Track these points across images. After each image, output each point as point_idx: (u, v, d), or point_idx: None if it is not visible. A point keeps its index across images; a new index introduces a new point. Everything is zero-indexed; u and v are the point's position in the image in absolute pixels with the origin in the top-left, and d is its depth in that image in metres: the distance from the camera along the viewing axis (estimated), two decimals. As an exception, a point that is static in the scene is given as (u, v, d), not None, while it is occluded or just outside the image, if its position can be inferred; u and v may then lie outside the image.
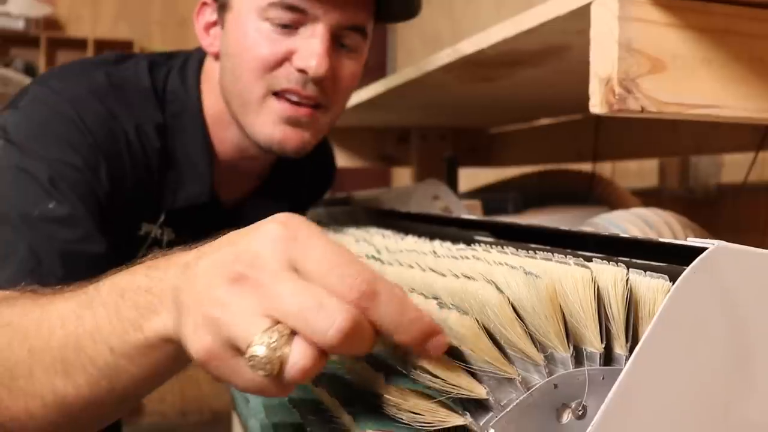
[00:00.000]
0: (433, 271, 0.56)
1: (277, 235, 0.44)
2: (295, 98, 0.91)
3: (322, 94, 0.92)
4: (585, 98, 0.64)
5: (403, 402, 0.43)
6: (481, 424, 0.44)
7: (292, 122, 0.92)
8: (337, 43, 0.92)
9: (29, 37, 4.00)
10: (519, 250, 0.59)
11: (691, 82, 0.64)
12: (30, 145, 0.84)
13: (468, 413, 0.44)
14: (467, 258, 0.59)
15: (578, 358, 0.46)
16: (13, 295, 0.68)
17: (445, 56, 1.00)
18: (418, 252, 0.68)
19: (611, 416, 0.43)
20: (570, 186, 1.53)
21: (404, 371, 0.45)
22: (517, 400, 0.44)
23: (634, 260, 0.52)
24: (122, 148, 0.90)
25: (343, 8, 0.90)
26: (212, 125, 0.99)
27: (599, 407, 0.43)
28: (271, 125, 0.92)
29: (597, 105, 0.63)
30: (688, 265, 0.44)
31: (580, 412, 0.45)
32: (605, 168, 1.79)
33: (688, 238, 0.49)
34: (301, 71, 0.89)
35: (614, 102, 0.62)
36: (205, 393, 3.70)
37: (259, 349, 0.40)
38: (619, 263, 0.48)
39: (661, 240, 0.54)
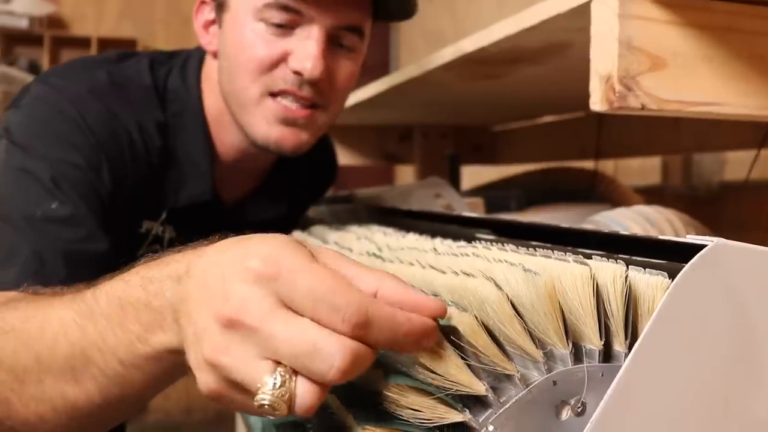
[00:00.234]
0: (433, 268, 0.56)
1: (260, 275, 0.43)
2: (291, 99, 0.91)
3: (318, 94, 0.92)
4: (587, 96, 0.64)
5: (402, 399, 0.43)
6: (480, 420, 0.44)
7: (289, 122, 0.92)
8: (334, 43, 0.92)
9: (33, 35, 4.01)
10: (519, 247, 0.59)
11: (692, 80, 0.64)
12: (32, 145, 0.84)
13: (467, 410, 0.44)
14: (467, 255, 0.59)
15: (577, 355, 0.46)
16: (16, 297, 0.68)
17: (446, 54, 1.00)
18: (419, 249, 0.68)
19: (610, 413, 0.43)
20: (572, 184, 1.54)
21: (404, 368, 0.45)
22: (516, 397, 0.44)
23: (633, 257, 0.52)
24: (124, 147, 0.90)
25: (339, 9, 0.90)
26: (213, 124, 0.99)
27: (598, 404, 0.43)
28: (267, 125, 0.92)
29: (597, 102, 0.63)
30: (687, 262, 0.45)
31: (579, 409, 0.45)
32: (608, 166, 1.79)
33: (688, 236, 0.49)
34: (297, 73, 0.89)
35: (614, 99, 0.62)
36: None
37: (265, 398, 0.41)
38: (618, 260, 0.49)
39: (661, 237, 0.54)
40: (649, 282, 0.47)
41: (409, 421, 0.43)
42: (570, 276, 0.46)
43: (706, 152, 1.51)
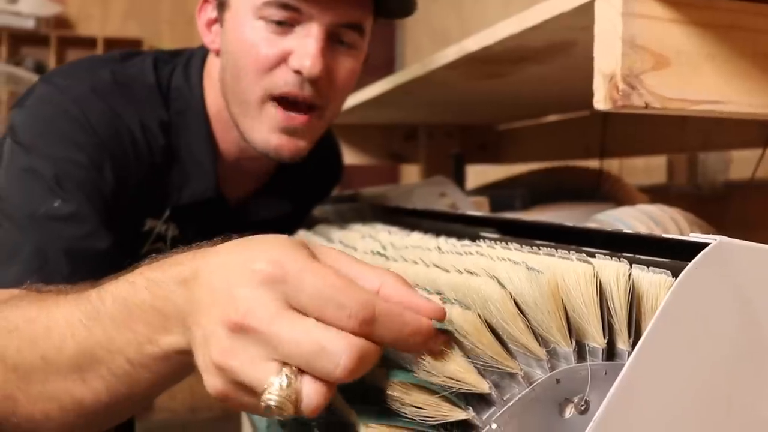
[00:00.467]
0: (437, 266, 0.56)
1: (266, 278, 0.44)
2: (292, 100, 0.91)
3: (318, 94, 0.92)
4: (591, 95, 0.64)
5: (406, 397, 0.43)
6: (483, 418, 0.44)
7: (289, 131, 0.93)
8: (334, 40, 0.92)
9: (39, 36, 4.02)
10: (523, 246, 0.59)
11: (696, 78, 0.64)
12: (36, 144, 0.85)
13: (470, 408, 0.44)
14: (471, 254, 0.59)
15: (581, 353, 0.46)
16: (19, 295, 0.69)
17: (451, 53, 1.00)
18: (423, 248, 0.69)
19: (613, 411, 0.43)
20: (577, 183, 1.53)
21: (407, 366, 0.45)
22: (520, 395, 0.44)
23: (637, 256, 0.52)
24: (127, 146, 0.91)
25: (338, 6, 0.90)
26: (215, 123, 1.00)
27: (602, 402, 0.43)
28: (267, 133, 0.93)
29: (601, 101, 0.63)
30: (691, 261, 0.45)
31: (582, 407, 0.46)
32: (613, 165, 1.79)
33: (692, 234, 0.49)
34: (297, 72, 0.89)
35: (618, 98, 0.61)
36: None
37: (271, 398, 0.41)
38: (621, 259, 0.49)
39: (665, 236, 0.54)
40: (652, 280, 0.47)
41: (412, 419, 0.43)
42: (573, 274, 0.46)
43: (711, 151, 1.51)
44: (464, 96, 1.39)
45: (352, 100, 1.49)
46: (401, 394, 0.43)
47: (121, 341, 0.54)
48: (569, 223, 0.66)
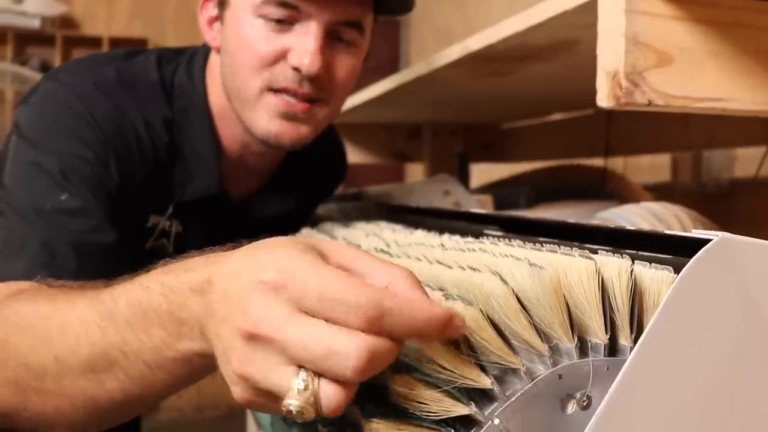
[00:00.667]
0: (440, 263, 0.56)
1: (275, 285, 0.44)
2: (291, 96, 0.92)
3: (318, 90, 0.92)
4: (595, 93, 0.64)
5: (409, 392, 0.43)
6: (486, 413, 0.44)
7: (289, 117, 0.93)
8: (333, 38, 0.92)
9: (45, 35, 4.04)
10: (526, 243, 0.59)
11: (699, 75, 0.64)
12: (41, 140, 0.86)
13: (473, 403, 0.44)
14: (474, 251, 0.59)
15: (583, 349, 0.46)
16: (29, 289, 0.69)
17: (454, 52, 1.01)
18: (427, 245, 0.69)
19: (615, 406, 0.43)
20: (582, 181, 1.53)
21: (410, 362, 0.46)
22: (522, 390, 0.44)
23: (639, 252, 0.52)
24: (131, 143, 0.91)
25: (337, 4, 0.90)
26: (218, 120, 1.00)
27: (604, 398, 0.43)
28: (268, 119, 0.93)
29: (604, 99, 0.63)
30: (693, 257, 0.45)
31: (584, 403, 0.46)
32: (617, 163, 1.79)
33: (694, 230, 0.49)
34: (296, 69, 0.90)
35: (621, 95, 0.62)
36: (222, 389, 3.70)
37: (291, 403, 0.42)
38: (624, 255, 0.49)
39: (667, 232, 0.54)
40: (654, 276, 0.47)
41: (415, 414, 0.43)
42: (575, 270, 0.46)
43: (715, 149, 1.51)
44: (468, 94, 1.39)
45: (356, 98, 1.49)
46: (405, 390, 0.43)
47: (136, 344, 0.54)
48: (572, 220, 0.66)
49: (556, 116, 1.79)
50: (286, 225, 1.06)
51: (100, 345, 0.56)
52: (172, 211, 0.98)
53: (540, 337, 0.45)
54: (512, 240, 0.62)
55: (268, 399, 0.45)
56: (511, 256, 0.52)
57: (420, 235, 0.79)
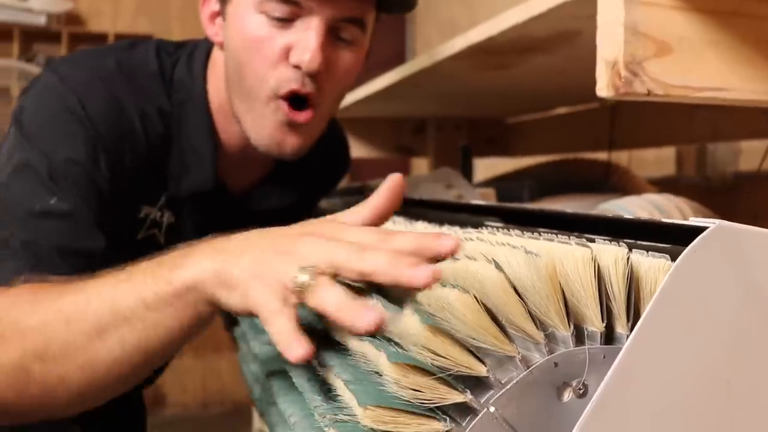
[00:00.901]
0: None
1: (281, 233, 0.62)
2: (295, 101, 0.92)
3: (318, 90, 0.92)
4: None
5: (403, 379, 0.43)
6: (481, 401, 0.44)
7: (293, 127, 0.93)
8: (334, 35, 0.92)
9: (51, 32, 4.04)
10: (524, 232, 0.59)
11: (698, 65, 0.64)
12: (35, 137, 0.87)
13: (468, 391, 0.44)
14: (472, 240, 0.59)
15: (579, 337, 0.46)
16: (30, 288, 0.72)
17: (457, 44, 1.01)
18: (425, 236, 0.69)
19: (611, 394, 0.43)
20: (586, 175, 1.53)
21: (405, 349, 0.46)
22: (518, 378, 0.44)
23: (637, 242, 0.52)
24: (125, 136, 0.92)
25: (339, 1, 0.90)
26: (217, 114, 1.00)
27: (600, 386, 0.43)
28: (272, 129, 0.93)
29: (603, 88, 0.63)
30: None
31: (581, 391, 0.46)
32: (622, 157, 1.78)
33: (691, 218, 0.49)
34: (296, 67, 0.90)
35: (620, 85, 0.61)
36: (227, 385, 3.73)
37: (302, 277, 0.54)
38: (621, 244, 0.49)
39: (665, 221, 0.54)
40: (651, 264, 0.47)
41: (410, 402, 0.43)
42: (571, 258, 0.46)
43: (719, 141, 1.50)
44: (472, 88, 1.39)
45: (361, 92, 1.49)
46: (399, 377, 0.43)
47: (141, 287, 0.63)
48: (570, 210, 0.66)
49: (561, 110, 1.79)
50: (287, 217, 1.07)
51: (110, 297, 0.64)
52: (163, 201, 0.99)
53: (536, 324, 0.45)
54: (511, 230, 0.62)
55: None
56: (508, 244, 0.52)
57: (420, 226, 0.80)
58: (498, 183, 1.56)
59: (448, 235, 0.55)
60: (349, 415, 0.47)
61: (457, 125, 1.93)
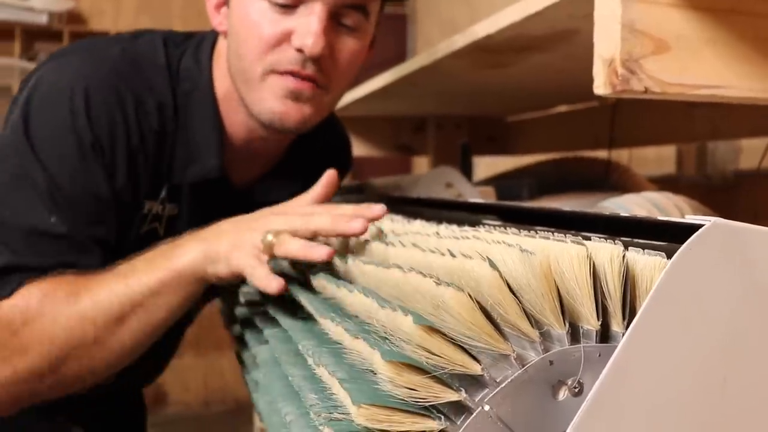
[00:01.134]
0: (433, 251, 0.56)
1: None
2: (295, 78, 0.92)
3: (321, 73, 0.92)
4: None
5: (397, 377, 0.43)
6: (476, 400, 0.44)
7: (293, 96, 0.93)
8: (337, 21, 0.92)
9: (52, 31, 4.04)
10: (521, 231, 0.59)
11: (695, 63, 0.63)
12: (39, 149, 0.88)
13: (463, 389, 0.44)
14: (468, 238, 0.59)
15: (574, 335, 0.46)
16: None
17: (454, 42, 1.00)
18: (422, 234, 0.69)
19: (606, 392, 0.43)
20: (586, 173, 1.53)
21: (399, 347, 0.46)
22: (513, 377, 0.44)
23: (634, 240, 0.52)
24: (130, 128, 0.92)
25: None
26: (223, 104, 1.00)
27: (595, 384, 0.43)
28: (272, 100, 0.93)
29: (600, 86, 0.63)
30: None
31: (576, 389, 0.45)
32: (622, 155, 1.78)
33: (687, 216, 0.49)
34: (299, 50, 0.90)
35: (617, 83, 0.61)
36: (228, 383, 3.74)
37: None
38: (617, 241, 0.48)
39: (661, 218, 0.53)
40: (647, 262, 0.47)
41: (404, 400, 0.43)
42: (567, 256, 0.46)
43: (720, 140, 1.50)
44: (471, 86, 1.39)
45: (361, 90, 1.49)
46: (394, 375, 0.43)
47: (144, 278, 0.81)
48: (567, 208, 0.66)
49: (561, 109, 1.79)
50: None
51: (121, 296, 0.81)
52: (164, 195, 0.99)
53: (531, 323, 0.45)
54: (507, 228, 0.62)
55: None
56: (503, 242, 0.52)
57: (418, 224, 0.79)
58: (498, 181, 1.56)
59: (379, 205, 0.75)
60: (343, 413, 0.47)
61: (457, 124, 1.93)
